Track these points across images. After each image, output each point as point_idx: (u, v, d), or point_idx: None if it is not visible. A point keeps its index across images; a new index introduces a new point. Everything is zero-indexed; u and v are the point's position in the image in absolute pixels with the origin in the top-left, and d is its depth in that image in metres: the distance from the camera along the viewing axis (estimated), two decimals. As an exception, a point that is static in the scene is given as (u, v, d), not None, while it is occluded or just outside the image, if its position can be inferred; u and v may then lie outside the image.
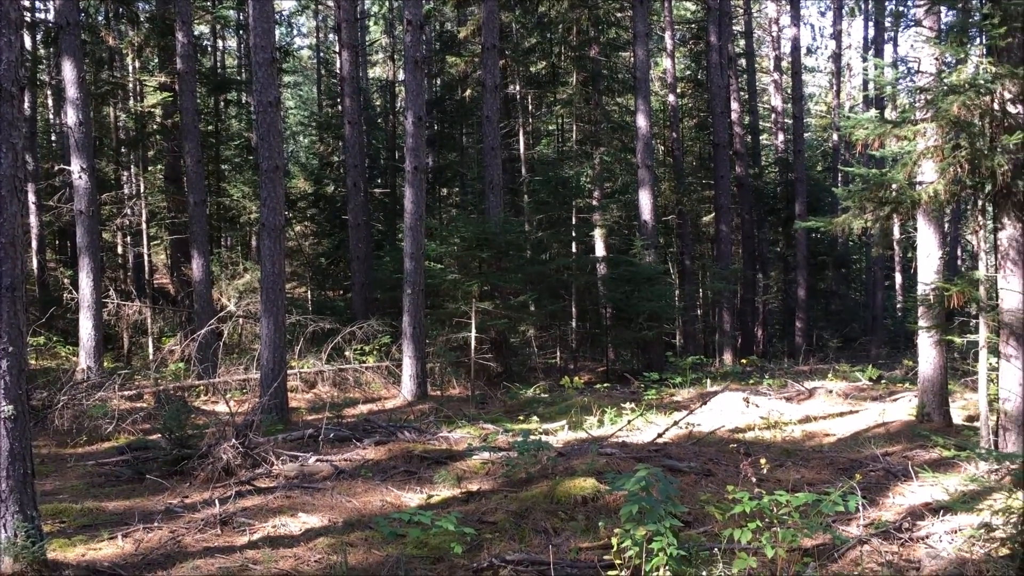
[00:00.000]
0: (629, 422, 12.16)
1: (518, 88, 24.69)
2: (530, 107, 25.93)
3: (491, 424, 12.16)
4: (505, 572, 6.19)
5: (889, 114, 22.18)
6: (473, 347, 16.14)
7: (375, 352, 16.87)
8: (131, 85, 24.47)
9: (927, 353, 11.98)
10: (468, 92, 26.54)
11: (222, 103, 26.73)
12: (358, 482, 8.54)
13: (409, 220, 15.42)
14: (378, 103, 34.56)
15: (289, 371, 14.37)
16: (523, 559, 6.29)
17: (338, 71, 24.81)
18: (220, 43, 32.70)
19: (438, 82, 30.89)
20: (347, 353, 16.44)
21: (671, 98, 27.82)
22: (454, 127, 29.25)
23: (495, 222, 17.22)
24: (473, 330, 16.15)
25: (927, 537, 6.71)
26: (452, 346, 17.12)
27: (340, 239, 25.14)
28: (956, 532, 6.61)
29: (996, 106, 8.15)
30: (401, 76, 26.44)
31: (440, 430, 11.35)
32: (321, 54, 36.77)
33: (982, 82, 7.94)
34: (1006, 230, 8.25)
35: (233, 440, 8.99)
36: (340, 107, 24.76)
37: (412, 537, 6.55)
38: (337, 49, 25.54)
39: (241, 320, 17.73)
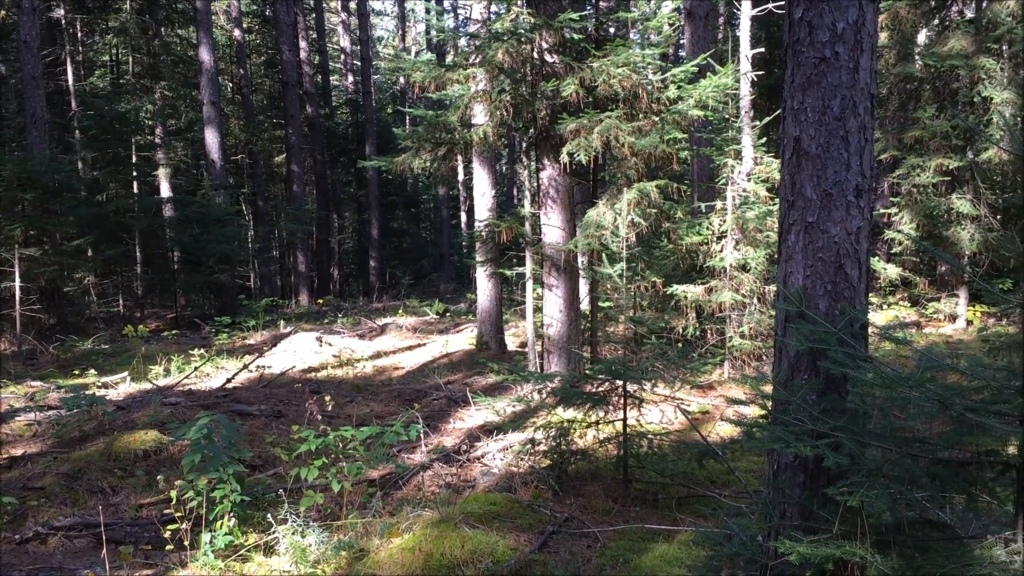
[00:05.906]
0: (196, 369, 11.74)
1: (64, 12, 22.26)
2: (79, 34, 23.54)
3: (40, 381, 11.12)
4: (55, 540, 5.71)
5: (450, 60, 23.25)
6: (18, 298, 14.54)
7: None
8: None
9: (483, 286, 12.90)
10: (3, 14, 23.40)
11: None
12: None
13: (-71, 156, 13.37)
14: None
15: None
16: (75, 523, 5.86)
17: None
18: None
19: (-35, -1, 26.91)
20: None
21: (237, 33, 26.73)
22: (-13, 52, 25.76)
23: (40, 160, 15.58)
24: (17, 279, 14.57)
25: (483, 456, 7.23)
26: (-7, 298, 15.28)
27: None
28: (507, 449, 7.19)
29: (536, 55, 8.80)
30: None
31: (-25, 393, 10.11)
32: None
33: (523, 31, 8.51)
34: (546, 170, 9.00)
35: None
36: None
37: (-66, 519, 5.76)
38: None
39: None
